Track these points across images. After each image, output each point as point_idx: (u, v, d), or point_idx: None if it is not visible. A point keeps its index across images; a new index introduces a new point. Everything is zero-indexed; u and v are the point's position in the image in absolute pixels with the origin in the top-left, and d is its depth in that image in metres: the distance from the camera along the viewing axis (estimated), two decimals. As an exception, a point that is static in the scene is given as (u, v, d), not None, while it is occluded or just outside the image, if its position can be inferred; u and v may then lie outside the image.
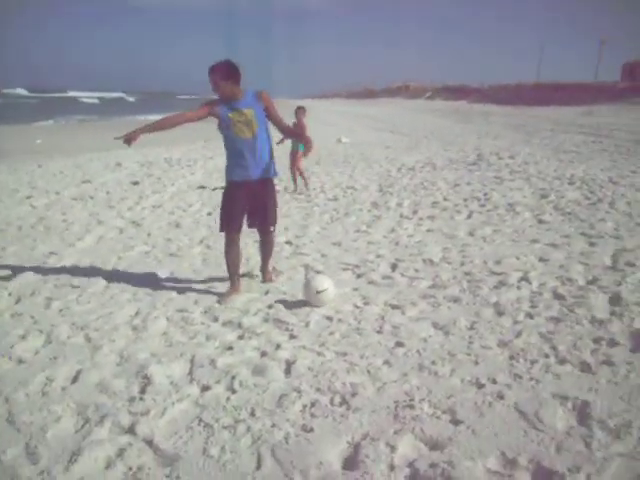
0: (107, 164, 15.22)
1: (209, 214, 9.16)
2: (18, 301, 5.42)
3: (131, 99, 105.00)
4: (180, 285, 5.80)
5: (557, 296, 5.09)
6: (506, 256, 6.30)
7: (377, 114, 47.80)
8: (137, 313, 5.08)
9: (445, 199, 9.70)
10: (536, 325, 4.51)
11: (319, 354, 4.16)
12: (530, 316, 4.69)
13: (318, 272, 5.98)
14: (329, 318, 4.84)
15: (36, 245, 7.32)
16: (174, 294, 5.54)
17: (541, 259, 6.19)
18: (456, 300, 5.14)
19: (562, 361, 3.91)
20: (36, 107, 59.02)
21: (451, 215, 8.49)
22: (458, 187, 10.85)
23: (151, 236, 7.85)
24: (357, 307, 5.08)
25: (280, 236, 7.66)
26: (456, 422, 3.23)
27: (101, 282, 5.92)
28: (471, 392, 3.56)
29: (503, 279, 5.58)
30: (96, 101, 79.66)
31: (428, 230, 7.71)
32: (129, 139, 4.79)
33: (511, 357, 4.00)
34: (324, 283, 5.12)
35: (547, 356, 3.98)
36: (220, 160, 15.68)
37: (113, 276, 6.11)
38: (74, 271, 6.28)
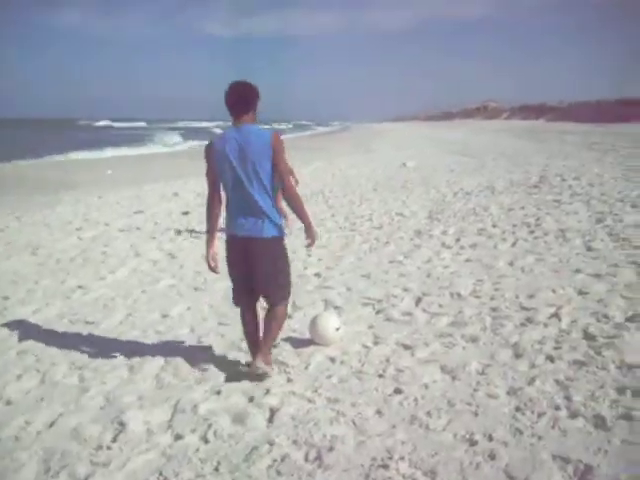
0: (164, 194, 15.42)
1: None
2: (29, 337, 5.38)
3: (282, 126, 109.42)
4: (191, 322, 5.64)
5: (587, 336, 4.60)
6: (542, 289, 5.82)
7: (450, 136, 47.05)
8: (138, 352, 4.93)
9: (494, 225, 9.20)
10: (555, 370, 4.06)
11: (309, 401, 3.89)
12: (551, 359, 4.24)
13: (336, 307, 5.72)
14: (332, 360, 4.55)
15: (67, 278, 7.35)
16: (182, 332, 5.38)
17: (580, 292, 5.66)
18: (474, 339, 4.73)
19: (574, 414, 3.46)
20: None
21: (495, 243, 8.01)
22: (512, 212, 10.31)
23: (183, 268, 7.77)
24: (366, 347, 4.76)
25: (311, 267, 7.44)
26: (433, 487, 2.87)
27: (116, 318, 5.85)
28: (460, 450, 3.19)
29: (532, 315, 5.12)
30: None
31: (467, 260, 7.28)
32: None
33: (517, 408, 3.59)
34: (330, 322, 4.83)
35: (558, 408, 3.55)
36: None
37: (130, 311, 6.03)
38: (94, 306, 6.24)
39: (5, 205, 14.02)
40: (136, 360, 4.75)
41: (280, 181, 4.03)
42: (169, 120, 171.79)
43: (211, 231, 4.20)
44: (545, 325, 4.89)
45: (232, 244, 4.20)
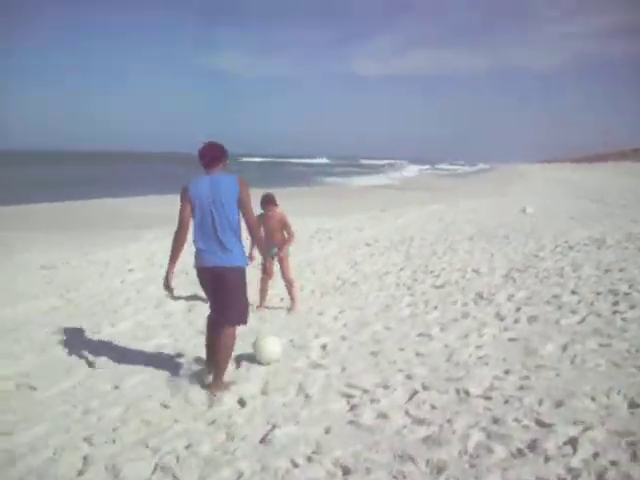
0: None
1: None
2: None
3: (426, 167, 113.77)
4: (136, 399, 4.73)
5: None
6: (579, 394, 4.32)
7: (590, 179, 43.68)
8: (49, 439, 4.09)
9: (573, 292, 7.57)
10: None
11: None
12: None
13: (307, 396, 4.59)
14: (239, 482, 3.42)
15: (60, 330, 6.70)
16: (115, 411, 4.50)
17: (632, 404, 4.13)
18: (439, 470, 3.42)
19: None
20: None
21: (559, 317, 6.45)
22: (608, 274, 8.56)
23: (191, 325, 6.92)
24: (294, 465, 3.59)
25: (325, 336, 6.32)
26: None
27: (63, 385, 5.09)
28: None
29: (539, 438, 3.69)
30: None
31: (510, 339, 5.82)
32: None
33: None
34: (271, 343, 5.44)
35: None
36: (354, 235, 14.79)
37: (86, 378, 5.27)
38: (56, 366, 5.52)
39: (86, 240, 14.03)
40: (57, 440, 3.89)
41: (244, 214, 4.80)
42: (348, 157, 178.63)
43: (174, 260, 4.88)
44: (547, 459, 3.46)
45: (202, 274, 4.89)
